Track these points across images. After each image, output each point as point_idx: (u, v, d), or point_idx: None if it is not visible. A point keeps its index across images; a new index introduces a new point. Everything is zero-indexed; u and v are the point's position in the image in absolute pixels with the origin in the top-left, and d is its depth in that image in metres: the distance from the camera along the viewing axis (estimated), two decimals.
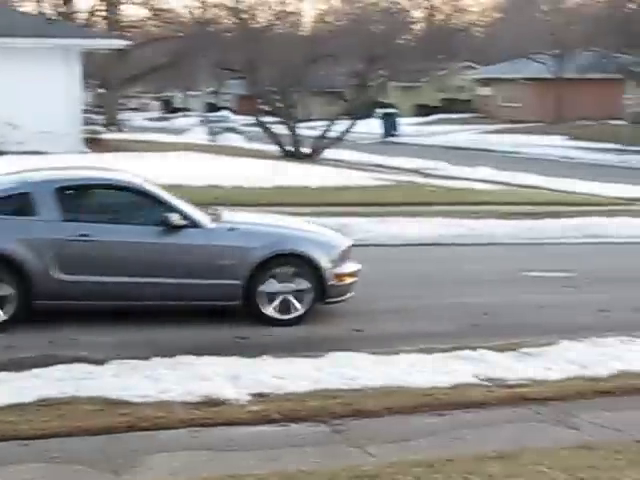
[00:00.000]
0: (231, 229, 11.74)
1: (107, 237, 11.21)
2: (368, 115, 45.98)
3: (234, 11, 39.63)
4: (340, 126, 38.66)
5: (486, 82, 76.83)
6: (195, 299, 11.54)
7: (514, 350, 10.42)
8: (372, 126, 56.72)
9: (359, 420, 8.29)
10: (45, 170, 12.80)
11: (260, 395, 8.74)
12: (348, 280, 12.01)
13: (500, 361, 10.02)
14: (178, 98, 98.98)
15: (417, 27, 50.35)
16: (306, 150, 37.57)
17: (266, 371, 9.35)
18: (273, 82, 38.86)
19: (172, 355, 9.70)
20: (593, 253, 18.10)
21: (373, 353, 10.16)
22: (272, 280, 11.54)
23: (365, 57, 39.29)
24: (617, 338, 10.96)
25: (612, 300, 13.44)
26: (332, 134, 38.49)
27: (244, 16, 39.60)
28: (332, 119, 38.99)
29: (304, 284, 11.64)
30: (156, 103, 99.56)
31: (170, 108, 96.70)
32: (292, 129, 38.08)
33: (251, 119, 47.38)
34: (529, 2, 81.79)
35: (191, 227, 11.46)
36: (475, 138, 58.21)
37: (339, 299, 12.01)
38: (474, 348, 10.36)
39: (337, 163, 34.93)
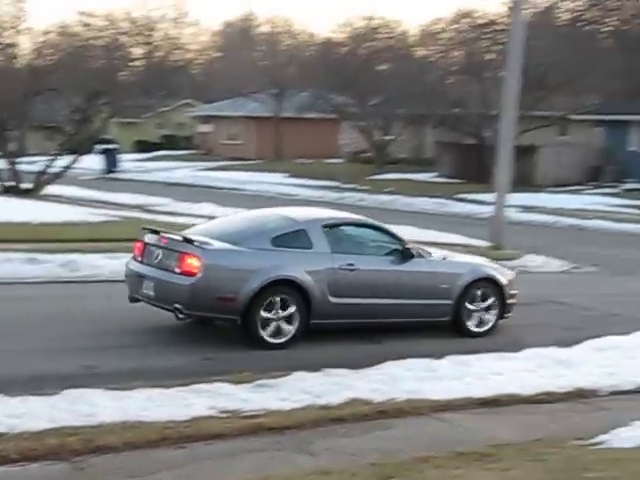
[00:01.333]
0: (444, 258, 14.39)
1: (366, 266, 13.42)
2: (89, 150, 45.33)
3: None
4: (61, 161, 37.96)
5: (207, 119, 77.57)
6: (418, 317, 13.99)
7: (249, 382, 10.62)
8: (93, 162, 55.96)
9: (100, 456, 8.23)
10: (292, 208, 15.13)
11: None
12: (514, 300, 14.75)
13: (236, 393, 10.20)
14: None
15: (138, 64, 50.08)
16: (27, 185, 36.65)
17: None
18: None
19: None
20: None
21: (108, 389, 10.09)
22: (472, 299, 14.25)
23: (86, 92, 38.79)
24: (349, 369, 11.39)
25: None
26: (53, 169, 37.73)
27: None
28: (53, 154, 38.23)
29: (493, 303, 14.42)
30: None
31: None
32: (11, 163, 37.05)
33: None
34: (246, 43, 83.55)
35: (418, 257, 13.86)
36: (197, 175, 58.57)
37: (509, 315, 14.70)
38: (210, 381, 10.49)
39: (59, 199, 34.26)
